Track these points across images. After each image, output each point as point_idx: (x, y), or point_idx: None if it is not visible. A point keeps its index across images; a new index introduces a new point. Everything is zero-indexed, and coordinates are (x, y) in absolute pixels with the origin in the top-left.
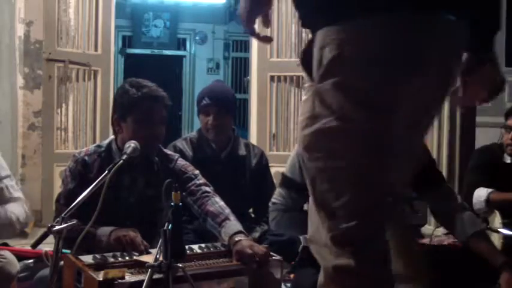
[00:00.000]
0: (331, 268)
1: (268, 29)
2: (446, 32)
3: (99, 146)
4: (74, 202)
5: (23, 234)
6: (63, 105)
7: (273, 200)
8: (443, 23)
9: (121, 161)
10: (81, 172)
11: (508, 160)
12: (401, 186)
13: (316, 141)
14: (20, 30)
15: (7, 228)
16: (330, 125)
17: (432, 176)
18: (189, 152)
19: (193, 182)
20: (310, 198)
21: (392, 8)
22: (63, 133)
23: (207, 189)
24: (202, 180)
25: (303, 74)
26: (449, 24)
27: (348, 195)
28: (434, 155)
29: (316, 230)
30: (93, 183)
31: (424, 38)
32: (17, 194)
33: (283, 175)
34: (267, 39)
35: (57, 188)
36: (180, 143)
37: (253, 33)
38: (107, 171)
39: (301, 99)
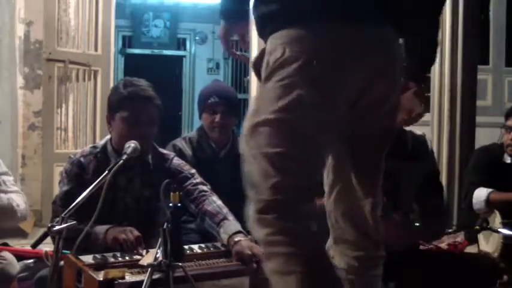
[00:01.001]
0: (263, 238)
1: None
2: (381, 42)
3: (94, 147)
4: (70, 203)
5: (23, 234)
6: (63, 105)
7: None
8: (380, 35)
9: (121, 161)
10: (77, 174)
11: (508, 160)
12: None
13: (255, 131)
14: (20, 30)
15: (8, 213)
16: (268, 117)
17: (432, 186)
18: (188, 151)
19: (189, 182)
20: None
21: (331, 18)
22: (63, 133)
23: (204, 188)
24: (198, 179)
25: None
26: (385, 37)
27: (276, 178)
28: (434, 155)
29: (249, 207)
30: (89, 184)
31: (358, 46)
32: (15, 188)
33: None
34: (244, 59)
35: (57, 188)
36: (179, 142)
37: (231, 53)
38: (106, 172)
39: None
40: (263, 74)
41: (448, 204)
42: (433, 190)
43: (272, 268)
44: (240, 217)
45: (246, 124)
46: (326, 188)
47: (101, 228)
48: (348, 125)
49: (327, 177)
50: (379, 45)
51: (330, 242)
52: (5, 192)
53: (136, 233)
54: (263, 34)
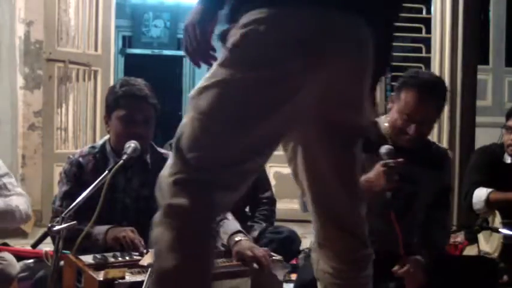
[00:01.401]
0: (166, 206)
1: None
2: (354, 31)
3: (93, 147)
4: (69, 204)
5: (23, 234)
6: (63, 105)
7: None
8: (353, 24)
9: (122, 161)
10: (76, 174)
11: (508, 160)
12: (256, 158)
13: (202, 93)
14: (20, 30)
15: (8, 216)
16: (220, 84)
17: (442, 200)
18: None
19: None
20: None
21: (317, 2)
22: (63, 133)
23: None
24: None
25: None
26: (359, 27)
27: (205, 149)
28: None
29: (165, 169)
30: (88, 184)
31: (332, 33)
32: (17, 190)
33: None
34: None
35: (57, 188)
36: None
37: (208, 58)
38: (106, 172)
39: None
40: (229, 43)
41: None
42: (443, 205)
43: (160, 236)
44: (239, 215)
45: (196, 87)
46: (308, 194)
47: (101, 229)
48: (320, 118)
49: (305, 180)
50: (359, 35)
51: (314, 246)
52: (6, 195)
53: (136, 233)
54: (237, 15)
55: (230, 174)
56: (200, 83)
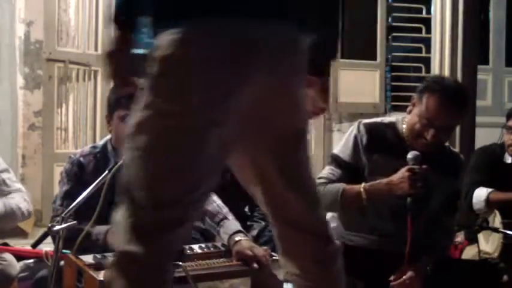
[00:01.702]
0: (120, 252)
1: None
2: (283, 39)
3: (94, 147)
4: (70, 203)
5: (23, 234)
6: (63, 105)
7: (319, 175)
8: (274, 32)
9: (121, 162)
10: (77, 173)
11: (508, 160)
12: (206, 186)
13: (138, 131)
14: (20, 30)
15: (9, 218)
16: (152, 118)
17: (451, 205)
18: None
19: None
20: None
21: (226, 12)
22: (63, 133)
23: None
24: None
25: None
26: (288, 34)
27: (156, 187)
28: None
29: (117, 212)
30: (89, 184)
31: (258, 44)
32: (17, 185)
33: (333, 154)
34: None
35: (57, 188)
36: None
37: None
38: (107, 171)
39: None
40: (152, 69)
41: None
42: (452, 209)
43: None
44: (239, 216)
45: (132, 120)
46: (262, 200)
47: (101, 229)
48: (256, 128)
49: (256, 186)
50: (284, 42)
51: (279, 250)
52: (5, 191)
53: None
54: (157, 30)
55: (183, 208)
56: (134, 116)
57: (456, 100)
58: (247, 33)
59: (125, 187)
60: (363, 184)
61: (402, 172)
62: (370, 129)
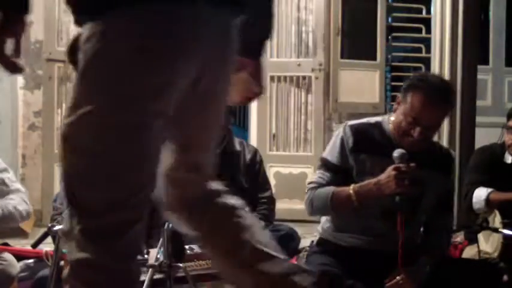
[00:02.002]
0: (74, 261)
1: None
2: (210, 24)
3: None
4: None
5: (23, 234)
6: (63, 105)
7: (310, 180)
8: (208, 16)
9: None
10: None
11: (509, 160)
12: (151, 183)
13: (75, 133)
14: None
15: (8, 220)
16: (88, 117)
17: (444, 203)
18: None
19: None
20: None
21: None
22: None
23: None
24: None
25: (302, 74)
26: (215, 17)
27: (100, 191)
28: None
29: (66, 222)
30: None
31: (186, 29)
32: (16, 186)
33: (321, 158)
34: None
35: (57, 188)
36: None
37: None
38: None
39: (301, 100)
40: (80, 64)
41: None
42: (447, 207)
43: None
44: None
45: (66, 122)
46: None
47: None
48: (183, 109)
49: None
50: (217, 26)
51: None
52: (5, 194)
53: None
54: (81, 20)
55: (133, 208)
56: (71, 118)
57: (441, 97)
58: (177, 18)
59: (68, 193)
60: (352, 186)
61: (389, 171)
62: (356, 130)
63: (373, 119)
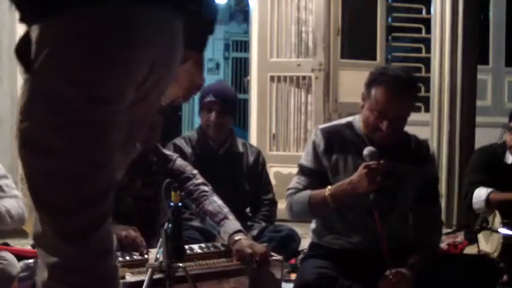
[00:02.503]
0: (50, 264)
1: (268, 28)
2: (157, 24)
3: None
4: None
5: (23, 234)
6: None
7: (288, 186)
8: (153, 16)
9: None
10: None
11: (509, 160)
12: (115, 179)
13: (35, 136)
14: (20, 30)
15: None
16: (46, 118)
17: (430, 193)
18: (187, 149)
19: (191, 182)
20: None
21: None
22: None
23: (205, 188)
24: (200, 180)
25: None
26: (160, 18)
27: (68, 191)
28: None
29: (36, 227)
30: None
31: (134, 30)
32: (13, 192)
33: (298, 164)
34: None
35: None
36: (178, 141)
37: None
38: None
39: (301, 100)
40: (33, 66)
41: (446, 210)
42: (430, 197)
43: None
44: (239, 213)
45: (21, 127)
46: None
47: None
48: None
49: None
50: (162, 27)
51: None
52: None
53: (138, 232)
54: (29, 20)
55: (101, 204)
56: (26, 123)
57: (402, 87)
58: (125, 20)
59: (35, 198)
60: (327, 188)
61: (360, 170)
62: (327, 132)
63: (344, 120)
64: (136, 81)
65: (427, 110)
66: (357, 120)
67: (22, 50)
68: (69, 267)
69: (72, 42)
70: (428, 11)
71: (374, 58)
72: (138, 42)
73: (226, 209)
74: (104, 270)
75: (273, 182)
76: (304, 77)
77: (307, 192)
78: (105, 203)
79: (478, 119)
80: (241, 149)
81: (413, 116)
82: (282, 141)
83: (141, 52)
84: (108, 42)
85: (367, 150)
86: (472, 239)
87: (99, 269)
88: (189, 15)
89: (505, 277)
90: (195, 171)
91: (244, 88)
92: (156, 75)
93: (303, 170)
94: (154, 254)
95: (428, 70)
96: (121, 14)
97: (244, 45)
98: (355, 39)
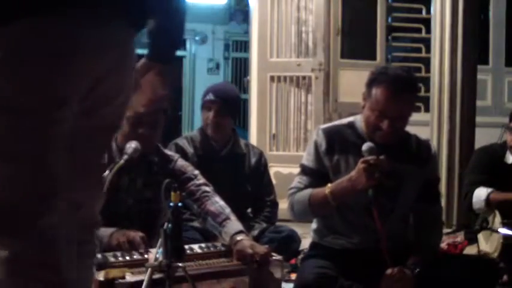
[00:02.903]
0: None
1: (268, 28)
2: (104, 35)
3: None
4: None
5: None
6: None
7: (290, 186)
8: (101, 28)
9: (122, 162)
10: None
11: (509, 160)
12: (64, 178)
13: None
14: None
15: None
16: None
17: (431, 193)
18: (189, 149)
19: (192, 182)
20: None
21: (60, 11)
22: None
23: (207, 189)
24: (202, 180)
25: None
26: (108, 30)
27: (10, 190)
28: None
29: None
30: None
31: (86, 40)
32: None
33: (300, 164)
34: None
35: None
36: (180, 141)
37: None
38: (108, 171)
39: (301, 100)
40: None
41: (446, 209)
42: (431, 197)
43: None
44: (241, 214)
45: None
46: None
47: (105, 231)
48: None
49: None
50: (112, 40)
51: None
52: None
53: (140, 234)
54: None
55: (55, 208)
56: None
57: (402, 87)
58: (78, 29)
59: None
60: (328, 185)
61: (358, 166)
62: (328, 132)
63: (345, 120)
64: (80, 91)
65: (427, 110)
66: (359, 120)
67: None
68: (10, 261)
69: (21, 51)
70: (428, 11)
71: (374, 58)
72: (83, 53)
73: (228, 210)
74: (47, 265)
75: (273, 182)
76: (304, 77)
77: (308, 191)
78: (46, 205)
79: (478, 119)
80: (243, 149)
81: (413, 116)
82: (282, 141)
83: (85, 63)
84: (52, 51)
85: (366, 146)
86: (472, 239)
87: (42, 262)
88: (145, 26)
89: (505, 277)
90: (196, 172)
91: (244, 88)
92: (105, 87)
93: (304, 170)
94: (154, 254)
95: (428, 70)
96: (72, 24)
97: (244, 45)
98: (355, 39)
